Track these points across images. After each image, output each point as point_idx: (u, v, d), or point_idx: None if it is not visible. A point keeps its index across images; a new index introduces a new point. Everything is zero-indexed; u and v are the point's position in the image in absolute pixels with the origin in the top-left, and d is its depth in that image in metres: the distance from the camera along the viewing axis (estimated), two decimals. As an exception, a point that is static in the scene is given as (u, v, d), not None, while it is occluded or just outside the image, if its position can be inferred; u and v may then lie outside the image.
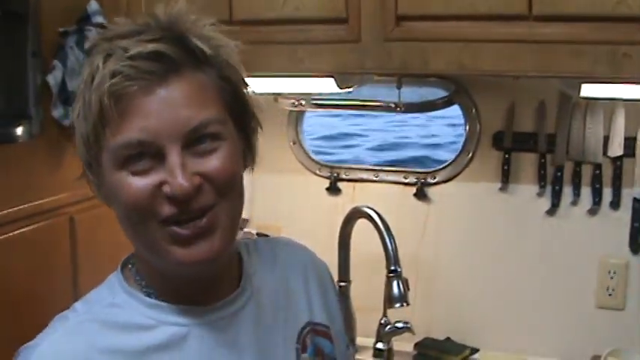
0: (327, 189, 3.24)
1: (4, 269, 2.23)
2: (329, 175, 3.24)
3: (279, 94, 3.11)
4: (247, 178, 3.17)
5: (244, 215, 3.15)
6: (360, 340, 2.95)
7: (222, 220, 1.35)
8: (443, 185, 3.09)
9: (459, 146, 3.09)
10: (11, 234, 2.26)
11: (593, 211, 2.88)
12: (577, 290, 2.92)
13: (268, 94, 3.07)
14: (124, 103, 1.28)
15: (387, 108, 3.05)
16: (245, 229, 3.30)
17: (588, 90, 2.34)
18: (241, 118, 1.43)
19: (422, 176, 3.11)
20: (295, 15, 2.43)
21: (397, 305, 2.51)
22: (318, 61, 2.44)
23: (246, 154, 1.47)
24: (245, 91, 1.45)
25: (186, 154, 1.30)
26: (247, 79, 1.46)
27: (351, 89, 2.70)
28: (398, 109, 2.99)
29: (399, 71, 2.60)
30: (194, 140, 1.31)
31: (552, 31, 2.17)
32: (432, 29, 2.29)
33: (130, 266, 1.48)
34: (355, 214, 2.75)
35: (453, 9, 2.26)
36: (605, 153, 2.85)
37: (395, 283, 2.51)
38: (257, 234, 3.27)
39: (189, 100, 1.31)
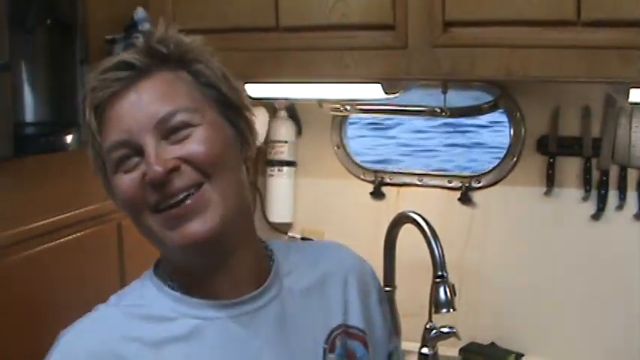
0: (371, 193, 3.24)
1: (54, 274, 2.26)
2: (373, 179, 3.24)
3: (324, 100, 3.12)
4: (291, 181, 3.21)
5: (287, 219, 3.19)
6: (405, 345, 2.93)
7: (213, 198, 1.43)
8: (487, 189, 3.08)
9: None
10: (61, 240, 2.29)
11: (638, 216, 2.86)
12: (624, 296, 2.89)
13: (315, 100, 3.09)
14: (102, 113, 1.45)
15: (432, 113, 3.04)
16: (289, 233, 3.31)
17: (637, 95, 2.33)
18: (222, 107, 1.52)
19: (466, 180, 3.10)
20: (342, 21, 2.43)
21: (444, 311, 2.50)
22: (364, 67, 2.44)
23: (239, 140, 1.55)
24: (222, 81, 1.53)
25: (164, 144, 1.43)
26: (225, 71, 1.56)
27: (397, 94, 2.70)
28: (443, 113, 2.99)
29: (446, 77, 2.60)
30: (168, 131, 1.43)
31: (601, 36, 2.15)
32: (479, 35, 2.28)
33: (162, 262, 1.59)
34: (401, 220, 2.74)
35: (501, 15, 2.25)
36: (651, 157, 2.83)
37: (442, 289, 2.50)
38: (301, 238, 3.28)
39: (156, 97, 1.44)
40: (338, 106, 3.14)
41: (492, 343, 3.05)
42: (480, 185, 3.08)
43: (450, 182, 3.13)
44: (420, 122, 10.68)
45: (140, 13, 2.49)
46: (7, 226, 2.12)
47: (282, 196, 3.31)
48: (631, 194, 2.86)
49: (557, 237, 2.96)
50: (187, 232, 1.41)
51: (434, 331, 2.74)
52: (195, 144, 1.43)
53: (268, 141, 3.30)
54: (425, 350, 2.79)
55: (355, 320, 1.67)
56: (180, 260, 1.50)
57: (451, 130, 11.36)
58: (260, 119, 3.20)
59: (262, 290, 1.54)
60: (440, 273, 2.51)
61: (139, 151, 1.42)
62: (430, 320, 2.73)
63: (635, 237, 2.86)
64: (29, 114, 2.20)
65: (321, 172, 3.31)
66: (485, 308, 3.05)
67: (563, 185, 2.95)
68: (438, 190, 3.16)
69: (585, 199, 2.91)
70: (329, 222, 3.30)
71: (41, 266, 2.22)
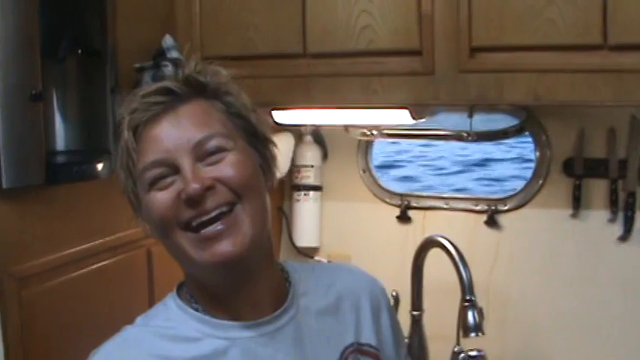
0: (398, 217, 3.24)
1: (85, 301, 2.28)
2: (399, 203, 3.24)
3: (351, 125, 3.13)
4: (317, 205, 3.22)
5: (314, 244, 3.19)
6: (433, 369, 2.95)
7: (242, 220, 1.51)
8: (514, 212, 3.08)
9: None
10: (92, 267, 2.31)
11: (666, 237, 2.86)
12: (651, 318, 2.89)
13: (342, 125, 3.10)
14: (140, 133, 1.54)
15: (458, 137, 3.04)
16: (315, 258, 3.31)
17: (664, 117, 2.34)
18: (252, 138, 1.63)
19: (492, 203, 3.10)
20: (369, 48, 2.45)
21: (472, 335, 2.50)
22: (392, 93, 2.45)
23: (264, 168, 1.65)
24: (250, 113, 1.64)
25: (199, 165, 1.52)
26: (252, 105, 1.67)
27: (424, 119, 2.71)
28: (469, 138, 2.99)
29: (473, 102, 2.61)
30: (204, 153, 1.52)
31: (628, 60, 2.15)
32: (506, 60, 2.29)
33: (183, 286, 1.67)
34: (428, 244, 2.75)
35: (527, 40, 2.26)
36: (677, 178, 2.83)
37: (470, 313, 2.50)
38: (328, 262, 3.28)
39: (193, 121, 1.54)
40: (364, 130, 3.15)
41: (520, 367, 3.04)
42: (506, 208, 3.08)
43: (476, 205, 3.13)
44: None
45: (168, 40, 2.51)
46: (39, 254, 2.14)
47: (309, 221, 3.32)
48: (658, 216, 2.86)
49: (584, 259, 2.95)
50: (218, 251, 1.48)
51: (462, 354, 2.74)
52: (228, 166, 1.52)
53: (294, 165, 3.31)
54: (453, 374, 2.80)
55: (368, 338, 1.75)
56: (206, 279, 1.58)
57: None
58: (286, 144, 3.21)
59: (282, 311, 1.63)
60: (468, 297, 2.51)
61: (174, 170, 1.51)
62: (458, 344, 2.73)
63: (663, 258, 2.86)
64: (60, 142, 2.21)
65: (348, 197, 3.32)
66: (512, 331, 3.04)
67: (589, 207, 2.94)
68: (464, 213, 3.16)
69: (612, 220, 2.90)
70: (355, 246, 3.31)
71: (72, 293, 2.23)
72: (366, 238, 3.30)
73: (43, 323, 2.14)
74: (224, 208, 1.50)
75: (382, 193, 3.29)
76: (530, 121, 2.98)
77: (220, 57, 2.56)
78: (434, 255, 2.71)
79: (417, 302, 2.84)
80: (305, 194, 3.29)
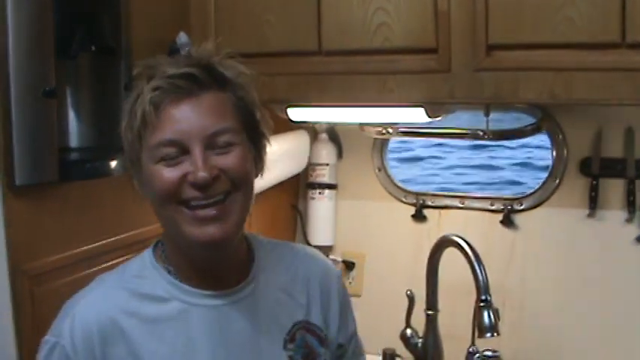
0: (413, 216, 3.23)
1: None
2: (414, 201, 3.23)
3: (366, 124, 3.12)
4: (332, 203, 3.21)
5: (329, 242, 3.18)
6: (448, 369, 2.94)
7: (235, 209, 1.69)
8: (530, 212, 3.06)
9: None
10: (106, 264, 2.29)
11: (683, 238, 2.84)
12: (669, 319, 2.87)
13: (357, 123, 3.09)
14: (160, 111, 1.65)
15: (474, 136, 3.03)
16: (330, 256, 3.30)
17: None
18: (253, 133, 1.77)
19: (508, 203, 3.09)
20: (385, 46, 2.44)
21: (488, 335, 2.48)
22: (408, 91, 2.45)
23: (257, 162, 1.80)
24: (257, 111, 1.78)
25: (207, 152, 1.65)
26: (259, 102, 1.80)
27: (439, 118, 2.70)
28: (485, 136, 2.98)
29: (489, 101, 2.58)
30: (214, 144, 1.66)
31: (646, 58, 2.14)
32: (522, 58, 2.28)
33: (160, 245, 1.84)
34: (444, 243, 2.73)
35: (544, 38, 2.24)
36: (695, 178, 2.81)
37: (486, 313, 2.48)
38: (342, 261, 3.28)
39: (211, 112, 1.67)
40: (380, 129, 3.14)
41: (536, 367, 3.03)
42: (522, 208, 3.07)
43: (492, 205, 3.12)
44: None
45: (183, 37, 2.50)
46: (52, 251, 2.13)
47: (323, 219, 3.31)
48: (675, 216, 2.84)
49: (600, 259, 2.93)
50: (208, 232, 1.66)
51: (477, 355, 2.73)
52: (234, 159, 1.68)
53: (309, 164, 3.30)
54: (468, 374, 2.78)
55: (315, 319, 1.93)
56: (187, 249, 1.75)
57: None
58: (301, 142, 3.20)
59: (243, 285, 1.81)
60: (484, 297, 2.49)
61: (184, 152, 1.65)
62: (473, 344, 2.71)
63: (680, 259, 2.84)
64: (74, 140, 2.22)
65: (363, 195, 3.32)
66: (527, 332, 3.02)
67: (606, 207, 2.92)
68: (480, 212, 3.15)
69: (629, 220, 2.88)
70: (370, 245, 3.30)
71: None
72: (381, 236, 3.29)
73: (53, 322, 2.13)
74: (221, 196, 1.66)
75: (397, 192, 3.28)
76: (546, 119, 2.96)
77: (235, 54, 2.59)
78: (449, 254, 2.70)
79: (431, 302, 2.83)
80: (320, 192, 3.28)
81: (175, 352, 1.71)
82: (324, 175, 3.27)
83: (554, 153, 3.00)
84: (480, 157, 12.49)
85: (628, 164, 2.87)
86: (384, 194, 3.30)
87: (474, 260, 2.53)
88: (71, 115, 2.21)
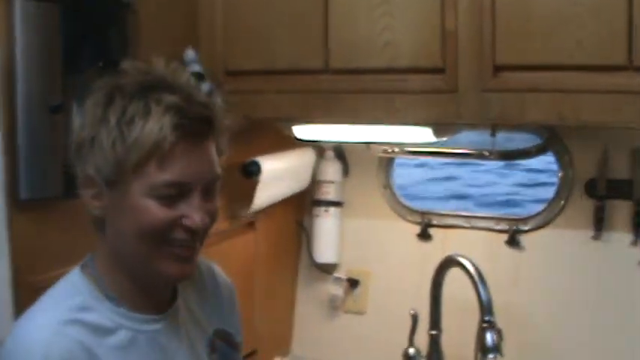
0: (418, 235, 3.22)
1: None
2: (420, 221, 3.22)
3: (373, 143, 3.12)
4: (337, 221, 3.21)
5: (333, 260, 3.18)
6: (450, 389, 2.93)
7: (200, 247, 1.71)
8: (535, 232, 3.05)
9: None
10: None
11: (689, 261, 2.83)
12: (675, 343, 2.85)
13: (363, 142, 3.09)
14: (176, 150, 1.58)
15: (480, 156, 3.03)
16: (334, 274, 3.30)
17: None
18: None
19: (514, 223, 3.08)
20: (392, 65, 2.44)
21: (490, 356, 2.48)
22: (414, 111, 2.45)
23: None
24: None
25: (201, 197, 1.64)
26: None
27: (446, 138, 2.70)
28: (491, 156, 2.97)
29: (496, 122, 2.58)
30: (207, 189, 1.66)
31: (653, 82, 2.14)
32: (530, 79, 2.28)
33: (90, 271, 1.74)
34: (448, 263, 2.73)
35: (552, 59, 2.24)
36: (702, 201, 2.80)
37: (489, 334, 2.48)
38: (347, 279, 3.27)
39: (212, 158, 1.68)
40: (386, 147, 3.14)
41: (540, 389, 3.01)
42: (527, 228, 3.06)
43: (497, 225, 3.11)
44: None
45: (190, 54, 2.50)
46: (55, 265, 2.12)
47: (328, 237, 3.29)
48: (682, 239, 2.83)
49: (606, 282, 2.92)
50: (185, 270, 1.69)
51: (480, 376, 2.72)
52: (216, 205, 1.70)
53: (315, 181, 3.29)
54: (471, 395, 2.77)
55: (227, 327, 1.98)
56: (152, 282, 1.73)
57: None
58: (306, 159, 3.20)
59: (176, 306, 1.81)
60: (487, 318, 2.49)
61: (183, 193, 1.62)
62: (476, 364, 2.70)
63: (687, 282, 2.83)
64: (79, 154, 2.21)
65: (368, 213, 3.31)
66: (532, 353, 3.01)
67: (612, 229, 2.91)
68: (485, 232, 3.14)
69: (635, 243, 2.87)
70: (375, 263, 3.29)
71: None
72: (386, 255, 3.28)
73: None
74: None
75: (403, 211, 3.27)
76: (552, 140, 2.96)
77: (242, 71, 2.59)
78: (454, 274, 2.69)
79: (435, 321, 2.82)
80: (325, 210, 3.27)
81: None
82: (329, 193, 3.26)
83: (561, 174, 2.99)
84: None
85: (635, 185, 2.86)
86: (389, 212, 3.29)
87: (478, 281, 2.53)
88: (77, 130, 2.20)
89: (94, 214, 1.71)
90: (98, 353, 1.61)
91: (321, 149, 3.29)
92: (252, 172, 2.76)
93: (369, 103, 2.50)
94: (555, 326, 2.99)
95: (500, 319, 2.53)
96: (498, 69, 2.30)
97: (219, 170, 1.69)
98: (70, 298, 1.67)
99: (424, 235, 3.21)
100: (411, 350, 2.83)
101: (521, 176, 12.80)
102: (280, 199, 3.03)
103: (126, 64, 1.74)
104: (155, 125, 1.56)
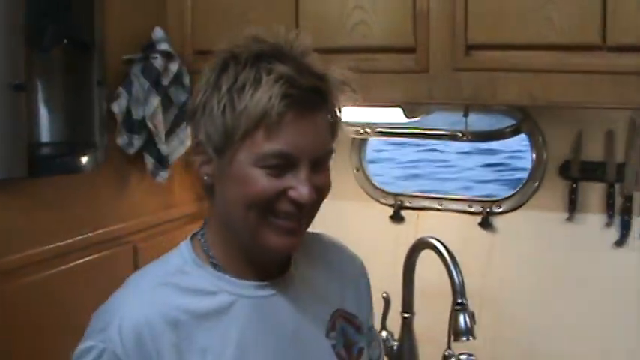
0: (391, 217, 3.21)
1: (69, 297, 2.25)
2: (392, 203, 3.21)
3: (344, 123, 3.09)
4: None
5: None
6: (423, 372, 2.92)
7: (309, 222, 1.70)
8: (508, 215, 3.04)
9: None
10: (77, 262, 2.28)
11: (663, 243, 2.83)
12: (647, 325, 2.86)
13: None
14: (284, 121, 1.56)
15: (453, 137, 3.01)
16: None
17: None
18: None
19: (487, 205, 3.07)
20: (363, 43, 2.42)
21: (463, 339, 2.46)
22: (385, 90, 2.42)
23: None
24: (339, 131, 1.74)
25: (309, 170, 1.60)
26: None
27: (418, 118, 2.68)
28: (464, 138, 2.96)
29: (468, 101, 2.56)
30: (316, 164, 1.62)
31: (626, 61, 2.11)
32: (502, 59, 2.26)
33: (199, 237, 1.76)
34: (420, 245, 2.71)
35: (524, 38, 2.22)
36: (676, 182, 2.79)
37: (461, 317, 2.46)
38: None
39: (324, 131, 1.65)
40: (358, 128, 3.11)
41: (513, 370, 3.01)
42: (500, 210, 3.05)
43: (470, 207, 3.10)
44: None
45: (158, 33, 2.48)
46: (20, 248, 2.11)
47: (301, 219, 3.26)
48: (655, 221, 2.83)
49: (579, 264, 2.92)
50: (287, 243, 1.65)
51: (452, 358, 2.71)
52: (327, 179, 1.68)
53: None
54: (444, 378, 2.76)
55: (351, 307, 1.91)
56: (255, 253, 1.70)
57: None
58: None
59: (286, 276, 1.78)
60: (459, 300, 2.47)
61: (290, 165, 1.59)
62: (449, 347, 2.69)
63: (660, 264, 2.83)
64: (44, 134, 2.19)
65: (340, 195, 3.26)
66: (505, 335, 3.01)
67: (585, 211, 2.91)
68: (459, 214, 3.13)
69: (608, 225, 2.87)
70: (347, 245, 3.27)
71: (55, 288, 2.20)
72: (358, 237, 3.20)
73: (25, 318, 2.11)
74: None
75: (375, 193, 3.26)
76: (526, 122, 2.94)
77: (211, 51, 2.56)
78: (427, 256, 2.67)
79: (408, 304, 2.80)
80: (297, 192, 3.24)
81: (228, 346, 1.67)
82: (302, 175, 3.23)
83: (534, 155, 2.97)
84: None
85: (608, 168, 2.85)
86: (361, 195, 3.28)
87: (450, 263, 2.51)
88: (42, 110, 2.18)
89: (205, 181, 1.71)
90: (187, 316, 1.63)
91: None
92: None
93: (339, 82, 2.47)
94: (529, 308, 2.99)
95: (473, 301, 2.51)
96: (470, 48, 2.28)
97: (330, 144, 1.67)
98: (169, 265, 1.72)
99: (397, 218, 3.20)
100: (384, 333, 2.81)
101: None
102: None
103: (247, 31, 1.71)
104: (264, 94, 1.55)
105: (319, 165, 1.63)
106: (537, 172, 2.97)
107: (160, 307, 1.63)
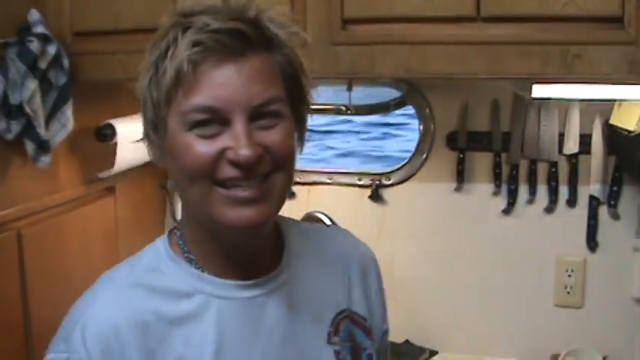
0: (281, 193, 3.20)
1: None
2: (283, 178, 3.19)
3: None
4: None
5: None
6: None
7: (276, 190, 1.46)
8: (398, 187, 3.08)
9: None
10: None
11: (549, 210, 2.88)
12: (535, 289, 2.92)
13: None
14: (200, 70, 1.40)
15: (337, 111, 3.02)
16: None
17: (539, 91, 2.31)
18: (297, 103, 1.54)
19: (376, 178, 3.09)
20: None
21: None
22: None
23: (300, 136, 1.58)
24: (303, 77, 1.56)
25: (251, 126, 1.42)
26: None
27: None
28: (348, 111, 2.97)
29: (346, 76, 2.55)
30: (258, 115, 1.42)
31: (501, 32, 2.12)
32: (378, 32, 2.24)
33: (176, 232, 1.60)
34: (308, 220, 2.72)
35: (400, 11, 2.21)
36: (560, 151, 2.84)
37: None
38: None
39: (259, 77, 1.43)
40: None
41: (406, 341, 3.04)
42: (390, 182, 3.07)
43: (360, 180, 3.11)
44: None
45: (34, 15, 2.42)
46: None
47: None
48: (541, 188, 2.89)
49: (468, 232, 2.97)
50: (245, 215, 1.43)
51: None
52: (280, 135, 1.45)
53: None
54: (336, 350, 2.77)
55: (358, 306, 1.72)
56: (220, 235, 1.52)
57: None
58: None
59: (276, 273, 1.60)
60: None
61: (223, 123, 1.42)
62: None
63: (546, 230, 2.88)
64: None
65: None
66: (398, 306, 3.00)
67: (473, 180, 2.96)
68: (349, 188, 3.15)
69: (496, 193, 2.93)
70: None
71: None
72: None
73: None
74: (262, 177, 1.44)
75: (265, 168, 3.24)
76: (412, 94, 2.96)
77: (90, 32, 2.51)
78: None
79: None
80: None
81: (204, 355, 1.50)
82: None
83: (421, 127, 3.00)
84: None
85: (494, 137, 2.90)
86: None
87: (337, 236, 2.52)
88: None
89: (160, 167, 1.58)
90: (160, 320, 1.49)
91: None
92: (105, 135, 2.67)
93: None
94: (420, 278, 3.03)
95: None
96: (347, 22, 2.26)
97: (273, 91, 1.45)
98: (143, 262, 1.57)
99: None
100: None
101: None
102: (142, 162, 2.96)
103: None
104: (179, 50, 1.40)
105: (264, 117, 1.43)
106: (425, 143, 3.00)
107: (128, 311, 1.48)
